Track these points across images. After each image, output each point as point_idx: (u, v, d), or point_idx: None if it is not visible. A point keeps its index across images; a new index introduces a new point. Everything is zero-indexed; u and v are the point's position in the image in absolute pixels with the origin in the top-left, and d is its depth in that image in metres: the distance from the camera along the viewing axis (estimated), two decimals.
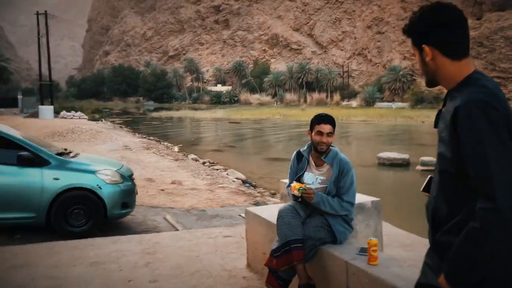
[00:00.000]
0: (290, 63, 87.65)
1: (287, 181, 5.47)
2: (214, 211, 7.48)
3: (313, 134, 3.35)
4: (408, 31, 1.70)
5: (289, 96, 78.03)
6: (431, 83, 1.71)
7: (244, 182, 11.94)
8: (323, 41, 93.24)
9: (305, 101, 74.64)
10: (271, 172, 14.75)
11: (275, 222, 3.29)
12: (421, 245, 4.40)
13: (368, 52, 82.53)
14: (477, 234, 1.40)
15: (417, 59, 1.72)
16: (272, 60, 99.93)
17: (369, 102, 66.76)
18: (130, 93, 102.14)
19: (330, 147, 3.42)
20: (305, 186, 3.24)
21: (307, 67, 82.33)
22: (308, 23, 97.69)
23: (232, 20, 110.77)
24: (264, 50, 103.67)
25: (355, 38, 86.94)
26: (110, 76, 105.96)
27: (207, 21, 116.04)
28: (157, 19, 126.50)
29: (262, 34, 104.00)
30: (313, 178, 3.39)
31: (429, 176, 1.91)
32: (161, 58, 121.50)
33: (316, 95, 75.48)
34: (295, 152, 3.67)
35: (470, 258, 1.42)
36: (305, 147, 3.55)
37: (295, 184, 3.24)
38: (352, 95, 75.05)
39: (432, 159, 14.87)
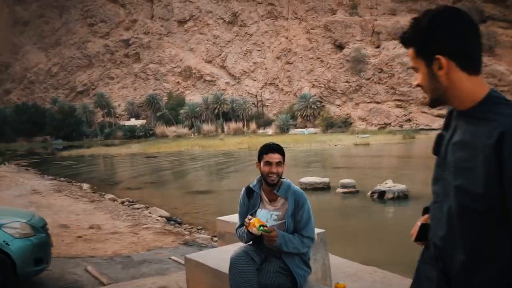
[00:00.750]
0: (205, 95, 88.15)
1: (224, 219, 5.18)
2: (140, 256, 6.90)
3: (261, 165, 3.10)
4: (412, 39, 1.41)
5: (206, 127, 78.10)
6: (437, 101, 1.45)
7: (168, 219, 11.37)
8: (236, 72, 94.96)
9: (223, 131, 75.08)
10: (195, 206, 14.30)
11: (222, 270, 2.97)
12: (365, 273, 4.29)
13: (279, 81, 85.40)
14: None
15: (421, 74, 1.42)
16: (187, 92, 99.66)
17: (283, 129, 68.78)
18: (36, 132, 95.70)
19: (282, 180, 3.16)
20: (265, 224, 2.90)
21: (222, 97, 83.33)
22: (220, 55, 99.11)
23: (143, 54, 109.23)
24: (178, 82, 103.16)
25: (266, 69, 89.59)
26: (13, 115, 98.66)
27: (117, 55, 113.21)
28: (62, 54, 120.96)
29: (175, 67, 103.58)
30: (268, 215, 3.11)
31: (419, 223, 1.66)
32: (68, 95, 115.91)
33: (233, 125, 76.33)
34: (244, 188, 3.34)
35: None
36: (255, 182, 3.25)
37: (254, 220, 2.89)
38: (267, 123, 76.93)
39: (351, 181, 15.38)
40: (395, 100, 67.66)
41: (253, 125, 74.65)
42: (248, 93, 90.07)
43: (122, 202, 14.35)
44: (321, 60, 78.00)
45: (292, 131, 67.68)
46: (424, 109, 63.96)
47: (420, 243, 1.64)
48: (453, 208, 1.38)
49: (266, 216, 3.09)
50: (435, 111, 63.29)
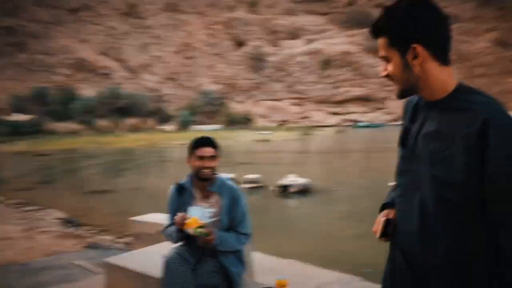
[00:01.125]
0: (99, 89, 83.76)
1: (140, 219, 4.86)
2: (39, 263, 6.25)
3: (193, 160, 2.93)
4: (386, 28, 1.38)
5: (101, 123, 74.26)
6: (407, 92, 1.43)
7: (66, 221, 10.54)
8: (133, 66, 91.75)
9: (119, 127, 72.04)
10: (94, 207, 13.45)
11: (148, 273, 2.74)
12: (284, 267, 4.28)
13: (179, 76, 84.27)
14: None
15: (393, 63, 1.39)
16: (79, 86, 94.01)
17: (184, 126, 68.00)
18: None
19: (216, 175, 3.02)
20: (204, 225, 2.70)
21: (118, 92, 79.84)
22: (115, 47, 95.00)
23: (29, 43, 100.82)
24: (69, 75, 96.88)
25: (165, 63, 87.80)
26: None
27: None
28: None
29: (66, 58, 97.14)
30: (201, 212, 2.92)
31: (382, 219, 1.60)
32: None
33: (130, 121, 73.63)
34: (173, 185, 3.12)
35: None
36: (185, 179, 3.06)
37: (191, 220, 2.70)
38: (167, 119, 75.40)
39: (256, 176, 15.61)
40: (293, 98, 70.41)
41: (152, 121, 72.71)
42: (146, 87, 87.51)
43: (11, 204, 13.04)
44: (221, 57, 78.42)
45: (193, 127, 67.20)
46: (319, 106, 67.42)
47: (384, 239, 1.61)
48: (429, 199, 1.35)
49: (199, 214, 2.91)
50: (330, 109, 67.06)
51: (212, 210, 2.95)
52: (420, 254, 1.40)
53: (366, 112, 64.95)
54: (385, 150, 26.40)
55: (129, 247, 7.41)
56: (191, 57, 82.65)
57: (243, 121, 68.19)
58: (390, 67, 1.40)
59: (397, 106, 63.21)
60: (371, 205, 10.28)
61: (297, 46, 71.30)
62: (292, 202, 13.16)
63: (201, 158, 2.89)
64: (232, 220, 2.93)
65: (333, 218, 9.14)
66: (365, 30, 69.64)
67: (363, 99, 65.50)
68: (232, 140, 43.04)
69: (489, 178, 1.23)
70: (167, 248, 3.44)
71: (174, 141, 43.77)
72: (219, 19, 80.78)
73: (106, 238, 8.60)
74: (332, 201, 11.22)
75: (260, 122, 69.64)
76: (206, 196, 3.00)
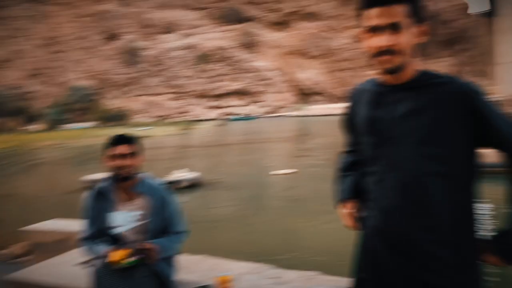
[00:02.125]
0: None
1: (37, 228, 4.52)
2: None
3: (106, 161, 2.71)
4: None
5: None
6: (401, 68, 1.41)
7: None
8: None
9: None
10: None
11: (68, 285, 2.60)
12: (193, 264, 4.30)
13: (46, 72, 77.76)
14: None
15: (405, 34, 1.37)
16: None
17: (54, 125, 63.09)
18: None
19: (139, 175, 2.78)
20: (131, 251, 2.45)
21: None
22: None
23: None
24: None
25: (28, 58, 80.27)
26: None
27: None
28: None
29: None
30: (126, 217, 2.69)
31: (353, 212, 1.64)
32: None
33: None
34: (91, 190, 2.84)
35: None
36: (104, 182, 2.80)
37: (116, 255, 2.42)
38: (34, 118, 69.18)
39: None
40: (171, 92, 69.46)
41: (16, 121, 66.10)
42: (6, 85, 79.05)
43: None
44: (92, 51, 74.11)
45: (65, 126, 62.69)
46: (198, 100, 67.55)
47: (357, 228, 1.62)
48: (413, 177, 1.39)
49: (124, 219, 2.70)
50: (208, 103, 67.51)
51: (138, 213, 2.73)
52: (407, 233, 1.41)
53: (244, 105, 66.78)
54: (263, 141, 27.57)
55: (24, 259, 6.79)
56: (58, 51, 76.67)
57: (119, 118, 65.48)
58: (402, 38, 1.37)
59: (272, 99, 66.06)
60: (261, 194, 10.73)
61: (173, 41, 70.39)
62: (186, 197, 13.16)
63: (113, 157, 2.67)
64: (163, 220, 2.75)
65: (228, 209, 9.40)
66: (239, 26, 71.37)
67: (240, 93, 67.18)
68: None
69: (497, 126, 1.36)
70: (79, 256, 3.27)
71: (42, 141, 40.41)
72: (88, 11, 76.07)
73: None
74: (223, 193, 11.51)
75: (138, 118, 67.52)
76: (129, 198, 2.76)
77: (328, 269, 3.59)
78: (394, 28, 1.36)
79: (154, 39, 72.97)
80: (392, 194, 1.43)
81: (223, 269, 3.66)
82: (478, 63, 55.55)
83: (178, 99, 69.33)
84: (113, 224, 2.69)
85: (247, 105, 66.74)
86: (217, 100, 67.39)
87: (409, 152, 1.40)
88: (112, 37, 74.05)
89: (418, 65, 1.44)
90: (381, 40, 1.37)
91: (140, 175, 2.81)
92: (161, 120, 66.27)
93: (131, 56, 69.98)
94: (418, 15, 1.39)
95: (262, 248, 6.16)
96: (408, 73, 1.43)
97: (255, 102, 66.75)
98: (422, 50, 1.50)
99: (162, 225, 2.74)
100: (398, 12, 1.36)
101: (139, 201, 2.75)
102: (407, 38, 1.38)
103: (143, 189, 2.76)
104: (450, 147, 1.37)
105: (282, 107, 65.35)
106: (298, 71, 69.14)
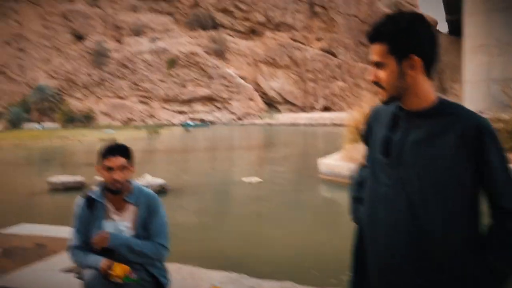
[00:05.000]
0: None
1: (9, 231, 4.51)
2: None
3: (101, 170, 2.62)
4: (388, 36, 1.45)
5: None
6: (394, 99, 1.51)
7: None
8: None
9: None
10: None
11: None
12: (177, 272, 4.36)
13: (9, 69, 75.23)
14: None
15: (388, 70, 1.47)
16: None
17: (15, 124, 61.05)
18: None
19: (131, 184, 2.73)
20: (129, 270, 2.44)
21: None
22: None
23: None
24: None
25: None
26: None
27: None
28: None
29: None
30: (116, 227, 2.65)
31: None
32: None
33: None
34: (81, 197, 2.76)
35: None
36: (96, 189, 2.74)
37: (116, 269, 2.41)
38: None
39: None
40: (138, 95, 68.55)
41: None
42: None
43: None
44: (59, 50, 72.31)
45: (26, 125, 60.80)
46: (165, 105, 66.93)
47: None
48: (419, 194, 1.44)
49: (113, 229, 2.65)
50: (176, 108, 67.00)
51: (127, 223, 2.66)
52: (408, 247, 1.47)
53: (211, 111, 66.63)
54: (228, 148, 27.63)
55: None
56: (23, 49, 74.38)
57: (84, 119, 64.09)
58: (383, 74, 1.47)
59: (238, 106, 66.22)
60: (231, 200, 10.80)
61: (142, 44, 69.59)
62: None
63: (110, 169, 2.58)
64: (147, 231, 2.66)
65: (196, 215, 9.46)
66: (209, 33, 71.35)
67: (208, 99, 66.99)
68: (76, 139, 40.23)
69: (494, 176, 1.40)
70: (62, 262, 3.33)
71: (3, 140, 39.07)
72: (55, 10, 74.23)
73: None
74: (191, 200, 11.53)
75: (103, 120, 66.23)
76: (120, 207, 2.70)
77: (300, 279, 3.78)
78: (377, 65, 1.49)
79: (123, 41, 71.93)
80: (400, 209, 1.49)
81: (200, 277, 3.74)
82: (441, 80, 57.59)
83: (145, 103, 68.49)
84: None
85: (214, 111, 66.66)
86: (184, 105, 66.98)
87: (415, 176, 1.45)
88: (79, 37, 72.52)
89: (432, 93, 1.50)
90: (370, 75, 1.53)
91: (131, 184, 2.75)
92: (127, 123, 65.28)
93: (98, 57, 68.67)
94: (401, 52, 1.45)
95: (232, 256, 6.28)
96: (422, 101, 1.49)
97: (222, 108, 66.76)
98: (434, 77, 1.65)
99: (146, 236, 2.67)
100: (377, 51, 1.47)
101: (129, 211, 2.70)
102: (388, 75, 1.46)
103: (134, 199, 2.70)
104: (455, 182, 1.42)
105: (249, 114, 65.62)
106: (267, 80, 69.69)
